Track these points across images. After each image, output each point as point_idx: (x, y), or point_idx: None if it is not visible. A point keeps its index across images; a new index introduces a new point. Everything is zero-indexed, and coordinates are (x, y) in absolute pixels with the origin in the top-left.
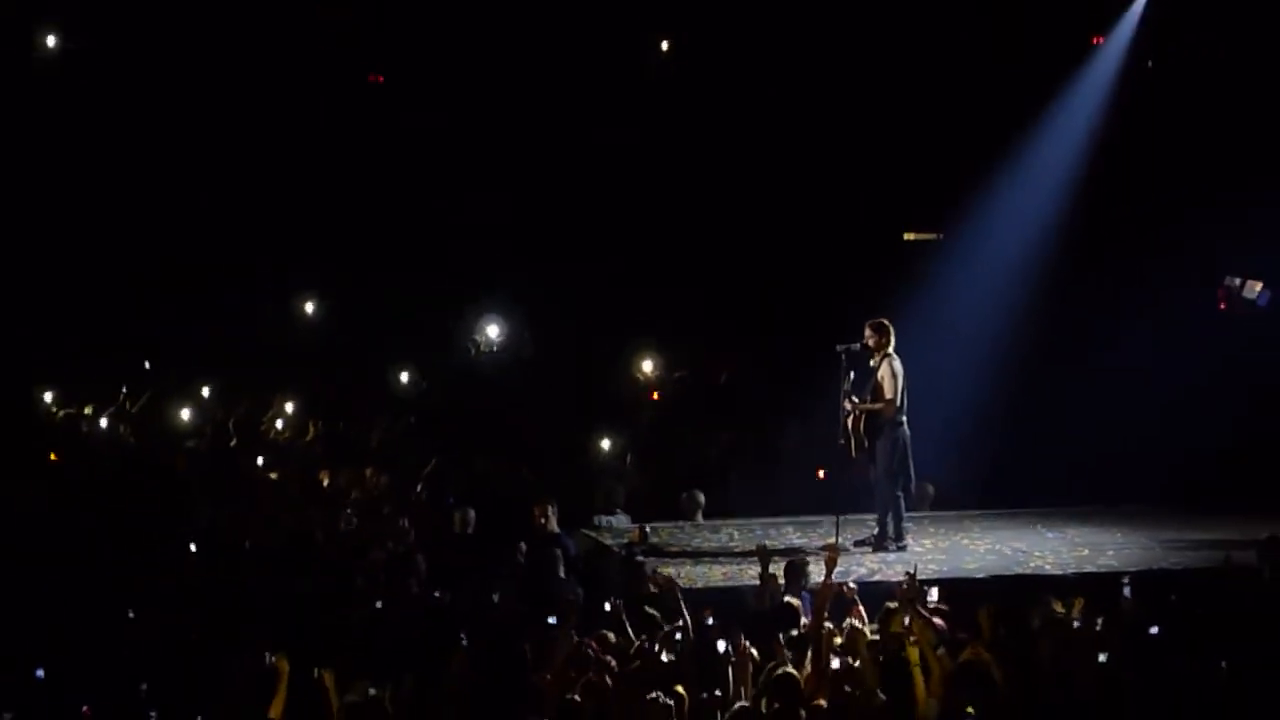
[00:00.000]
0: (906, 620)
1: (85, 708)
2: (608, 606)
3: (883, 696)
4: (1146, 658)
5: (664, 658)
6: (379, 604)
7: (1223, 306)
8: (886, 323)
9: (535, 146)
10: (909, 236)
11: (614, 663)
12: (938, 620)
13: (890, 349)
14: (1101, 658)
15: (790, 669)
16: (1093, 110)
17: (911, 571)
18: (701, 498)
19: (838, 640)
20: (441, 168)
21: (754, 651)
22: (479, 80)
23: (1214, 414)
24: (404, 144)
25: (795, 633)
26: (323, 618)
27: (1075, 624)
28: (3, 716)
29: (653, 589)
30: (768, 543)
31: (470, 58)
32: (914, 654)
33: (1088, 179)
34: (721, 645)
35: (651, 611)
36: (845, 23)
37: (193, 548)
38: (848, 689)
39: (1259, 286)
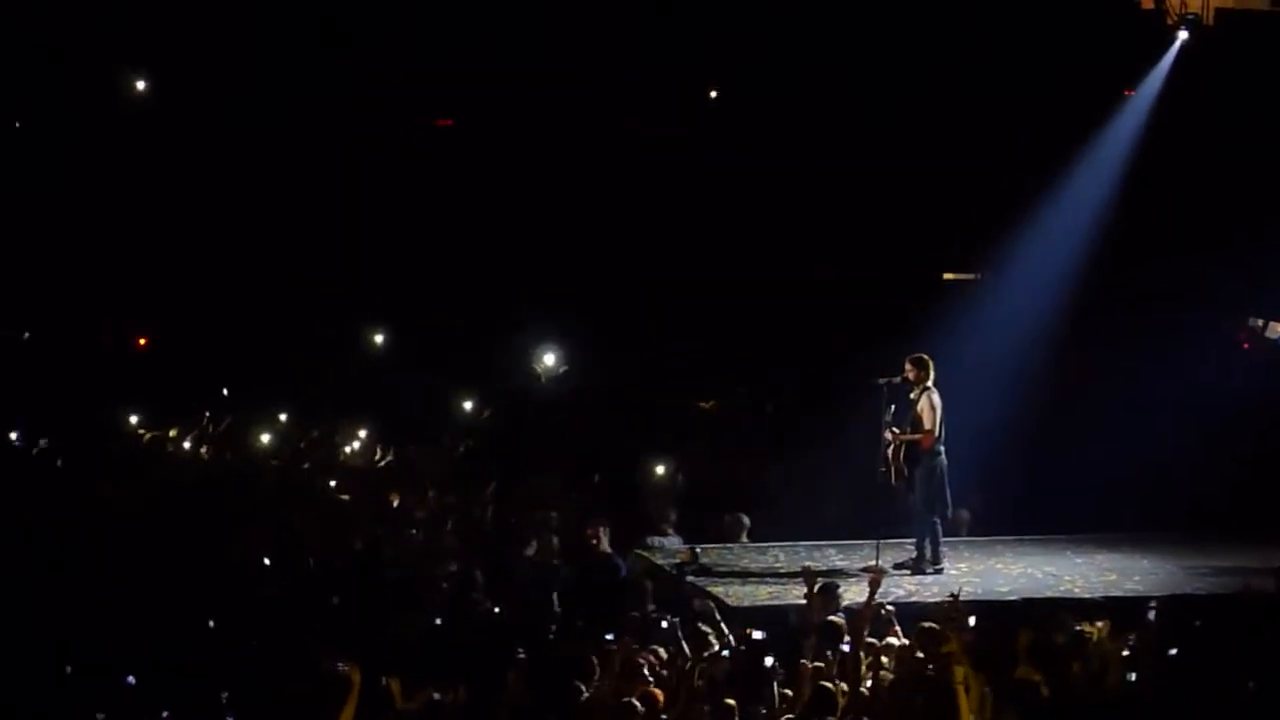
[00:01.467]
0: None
1: (166, 713)
2: (664, 624)
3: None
4: (1173, 678)
5: (714, 673)
6: (439, 619)
7: (1245, 346)
8: (926, 358)
9: (593, 182)
10: (948, 277)
11: (667, 676)
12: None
13: (929, 382)
14: (1130, 677)
15: (830, 684)
16: (1123, 157)
17: (956, 593)
18: (746, 520)
19: (883, 659)
20: (504, 201)
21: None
22: (538, 115)
23: (1237, 446)
24: (470, 180)
25: (836, 650)
26: (388, 631)
27: (1104, 645)
28: (96, 717)
29: (695, 608)
30: (810, 564)
31: (531, 95)
32: (958, 673)
33: (1118, 223)
34: (769, 660)
35: (704, 629)
36: (889, 65)
37: (266, 562)
38: (888, 705)
39: None
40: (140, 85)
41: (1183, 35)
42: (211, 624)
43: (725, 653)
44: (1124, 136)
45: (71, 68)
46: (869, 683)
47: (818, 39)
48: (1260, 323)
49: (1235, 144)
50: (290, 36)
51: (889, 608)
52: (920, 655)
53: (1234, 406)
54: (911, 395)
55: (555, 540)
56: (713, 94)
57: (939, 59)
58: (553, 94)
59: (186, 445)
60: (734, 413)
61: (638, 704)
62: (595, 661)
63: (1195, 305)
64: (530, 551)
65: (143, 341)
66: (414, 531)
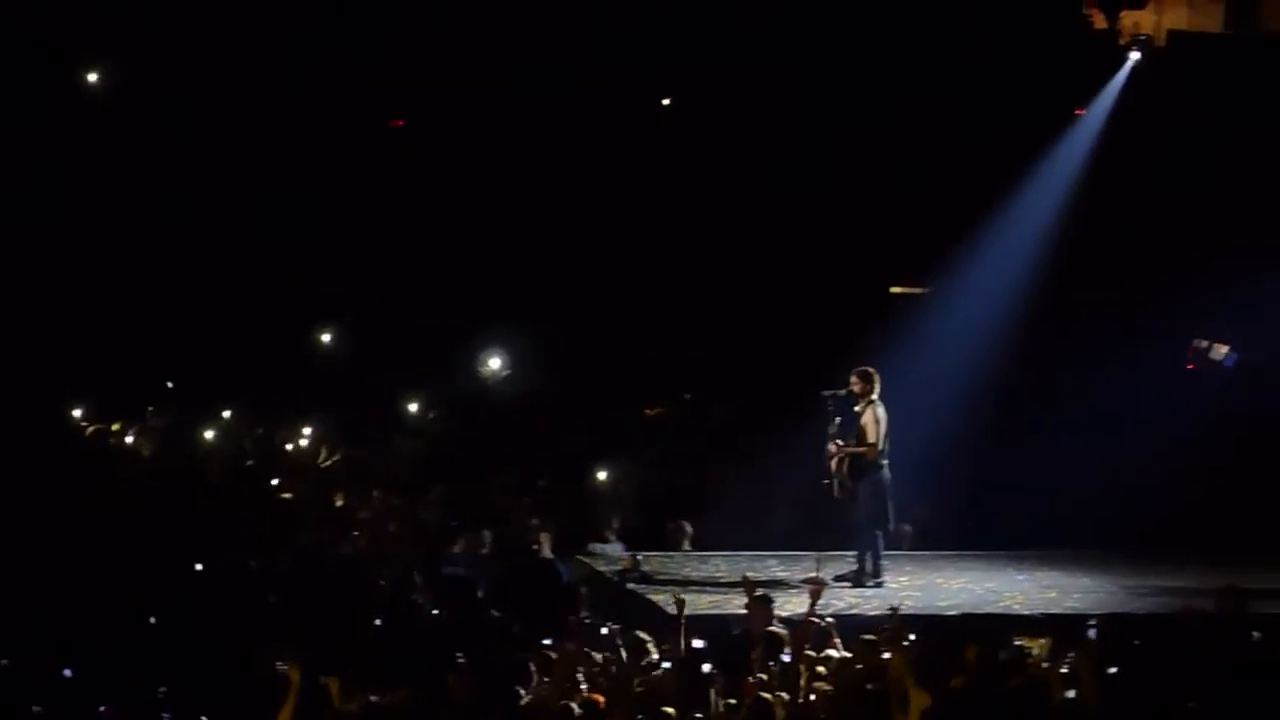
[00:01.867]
0: (886, 654)
1: (104, 708)
2: (604, 630)
3: None
4: (1112, 696)
5: (653, 681)
6: (380, 620)
7: (1190, 367)
8: (872, 371)
9: (542, 186)
10: (896, 290)
11: (606, 683)
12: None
13: (875, 396)
14: (1069, 694)
15: (767, 695)
16: (1073, 175)
17: (896, 607)
18: (689, 528)
19: (820, 669)
20: (454, 203)
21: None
22: (490, 116)
23: (1180, 467)
24: (419, 180)
25: (777, 661)
26: (329, 630)
27: (1044, 663)
28: (32, 709)
29: (673, 608)
30: (751, 574)
31: (480, 95)
32: (897, 686)
33: (1066, 239)
34: (706, 667)
35: (642, 635)
36: (841, 81)
37: (203, 560)
38: (827, 717)
39: (1225, 349)
40: (92, 78)
41: (1135, 56)
42: (151, 620)
43: (664, 662)
44: (1075, 154)
45: (40, 58)
46: (808, 695)
47: (776, 47)
48: (1205, 344)
49: (1185, 164)
50: (262, 34)
51: (829, 620)
52: (860, 668)
53: (1178, 426)
54: (857, 408)
55: (487, 538)
56: (665, 101)
57: (892, 75)
58: (498, 94)
59: (129, 440)
60: (680, 420)
61: (576, 708)
62: (534, 667)
63: (1143, 324)
64: (458, 549)
65: None
66: (357, 533)
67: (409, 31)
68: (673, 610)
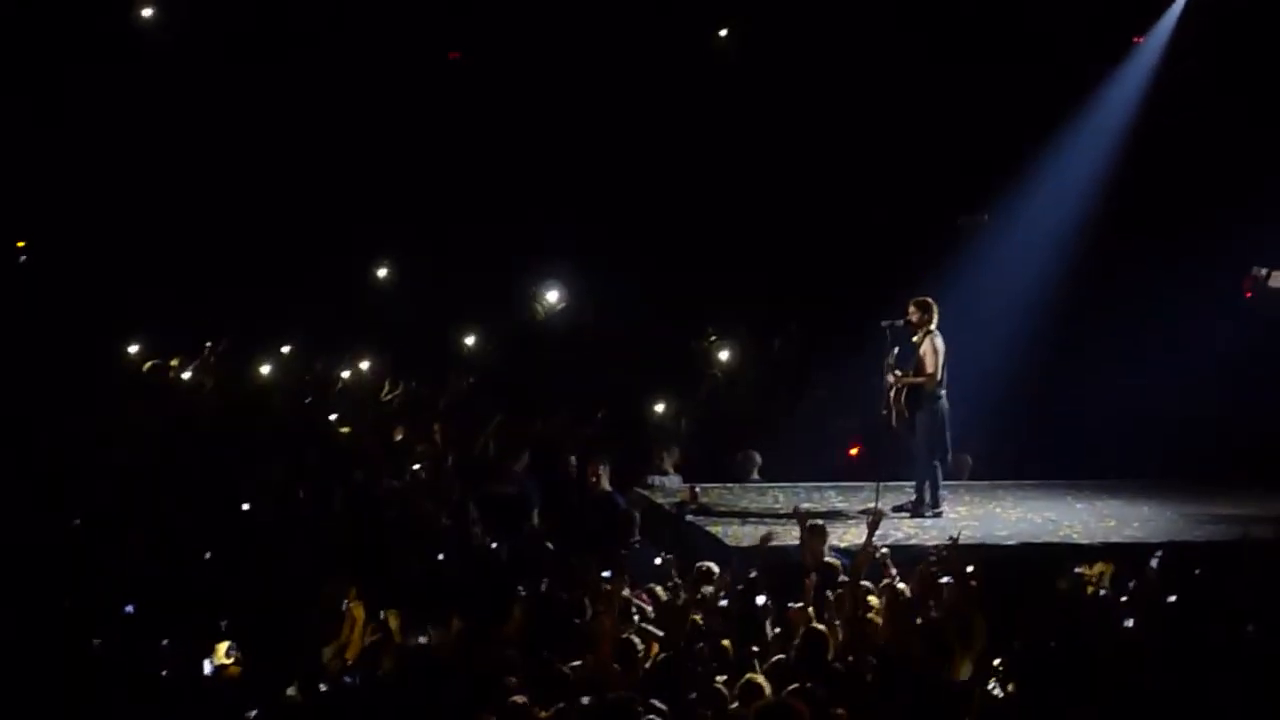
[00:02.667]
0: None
1: (165, 641)
2: (658, 561)
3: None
4: (1172, 624)
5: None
6: (440, 555)
7: (1249, 295)
8: (930, 300)
9: (599, 125)
10: (956, 219)
11: (662, 615)
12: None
13: (933, 325)
14: (1128, 623)
15: (820, 625)
16: (1131, 104)
17: (955, 537)
18: (758, 458)
19: (873, 599)
20: (511, 138)
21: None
22: (548, 54)
23: (1240, 396)
24: (474, 115)
25: (833, 591)
26: (387, 565)
27: (1102, 591)
28: (92, 643)
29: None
30: (809, 505)
31: (542, 33)
32: (953, 615)
33: (1125, 169)
34: (760, 599)
35: (709, 566)
36: (898, 14)
37: (260, 495)
38: (884, 647)
39: None
40: (147, 13)
41: None
42: (209, 555)
43: (722, 592)
44: (1133, 83)
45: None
46: (862, 625)
47: None
48: (1264, 272)
49: (1243, 93)
50: None
51: (883, 550)
52: (919, 598)
53: (1236, 356)
54: (915, 338)
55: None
56: (722, 32)
57: (950, 6)
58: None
59: (186, 376)
60: (739, 351)
61: (636, 640)
62: (590, 599)
63: (1202, 253)
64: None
65: None
66: (416, 466)
67: None
68: (730, 543)
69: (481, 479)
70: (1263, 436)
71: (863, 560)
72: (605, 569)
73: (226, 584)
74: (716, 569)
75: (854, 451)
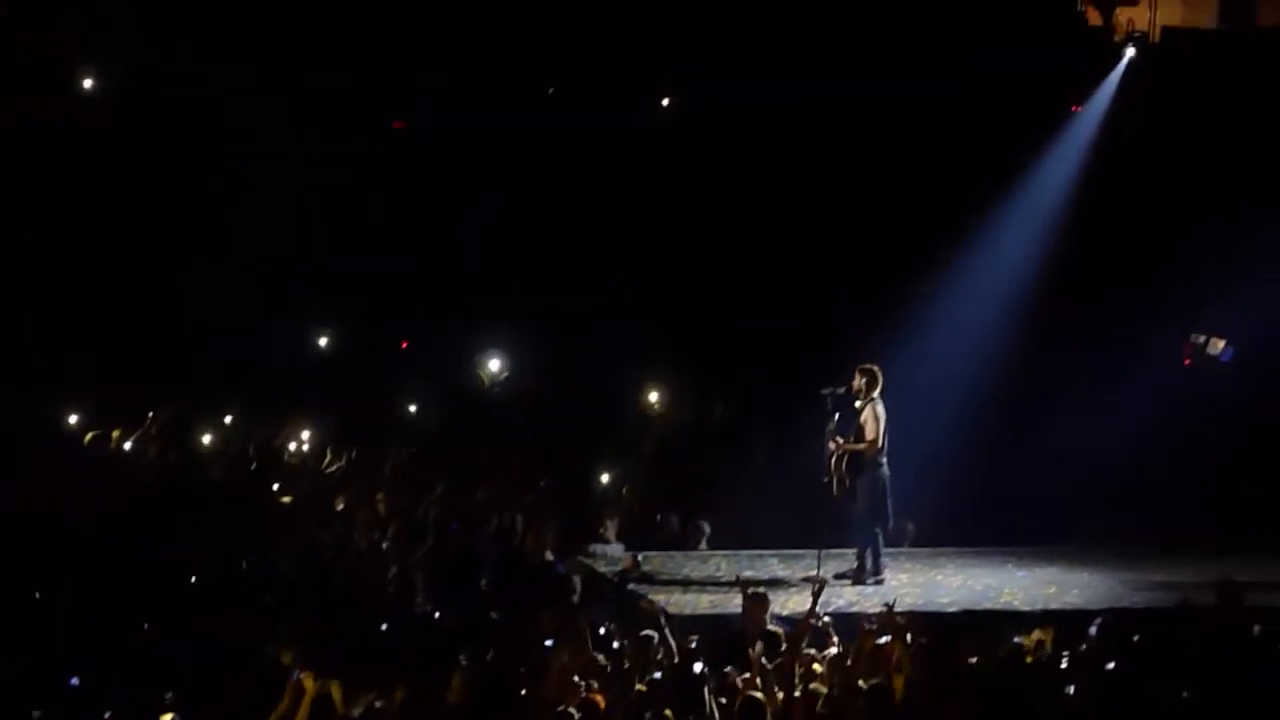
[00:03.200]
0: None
1: (109, 714)
2: (602, 631)
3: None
4: (1112, 690)
5: (651, 681)
6: (382, 623)
7: (1188, 362)
8: (875, 368)
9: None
10: (894, 288)
11: (605, 685)
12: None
13: (876, 393)
14: (1069, 690)
15: (757, 694)
16: (1070, 172)
17: (891, 604)
18: (707, 528)
19: (816, 667)
20: (450, 204)
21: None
22: (486, 120)
23: (1177, 461)
24: (415, 182)
25: (773, 659)
26: (330, 633)
27: (1042, 658)
28: (32, 714)
29: (641, 614)
30: (751, 573)
31: (481, 99)
32: (898, 681)
33: (1065, 236)
34: (698, 667)
35: (650, 634)
36: (838, 80)
37: (202, 565)
38: (824, 715)
39: (1222, 344)
40: (88, 84)
41: (1130, 52)
42: (150, 625)
43: (663, 661)
44: (1072, 152)
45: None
46: (802, 693)
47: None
48: (1202, 339)
49: (1181, 160)
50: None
51: (825, 619)
52: (859, 665)
53: (1176, 422)
54: (858, 404)
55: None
56: (664, 101)
57: (888, 74)
58: (497, 93)
59: (128, 446)
60: (682, 419)
61: (575, 713)
62: (534, 668)
63: (1140, 320)
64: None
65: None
66: (358, 535)
67: (406, 30)
68: (673, 610)
69: (424, 547)
70: (1201, 499)
71: (804, 628)
72: (547, 638)
73: (170, 654)
74: (655, 636)
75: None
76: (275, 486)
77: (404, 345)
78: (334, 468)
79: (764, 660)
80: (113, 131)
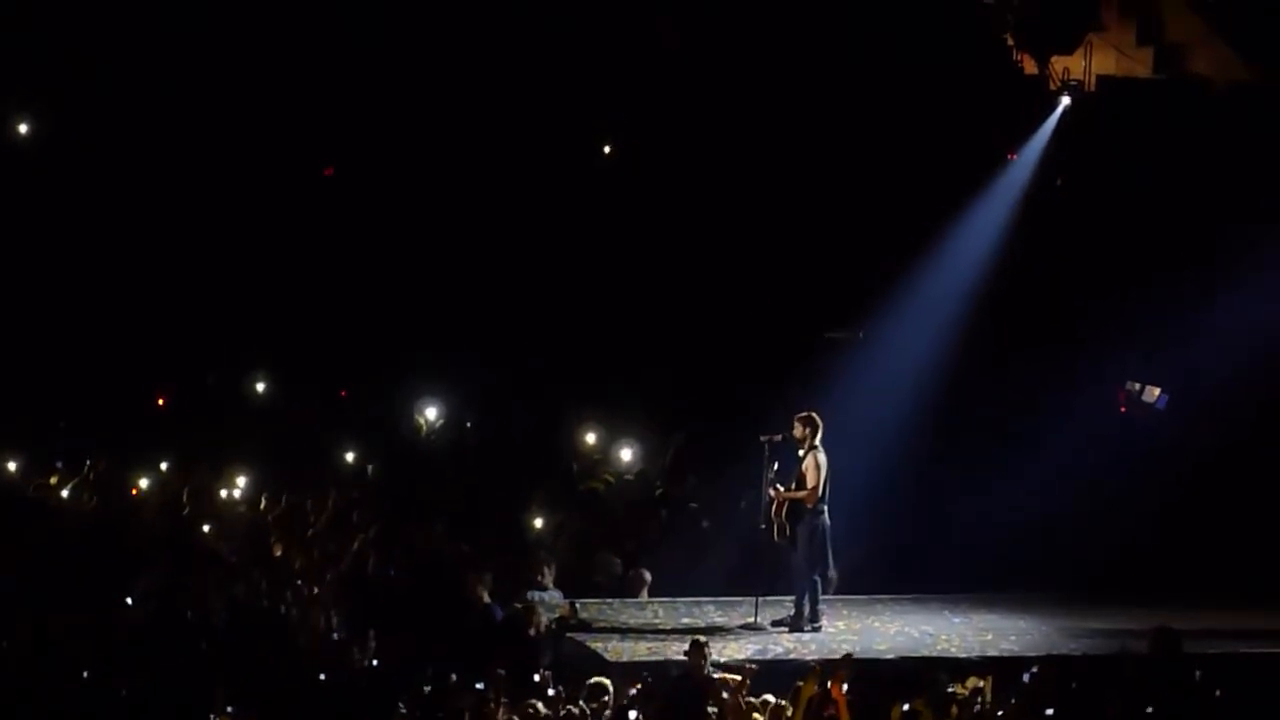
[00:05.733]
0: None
1: None
2: (537, 677)
3: None
4: None
5: None
6: (320, 671)
7: (1123, 409)
8: (815, 416)
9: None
10: (830, 335)
11: None
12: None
13: (817, 441)
14: None
15: None
16: (1006, 218)
17: (850, 654)
18: (648, 576)
19: (757, 717)
20: (388, 252)
21: None
22: (422, 168)
23: (1113, 508)
24: (351, 230)
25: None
26: (267, 682)
27: (978, 705)
28: None
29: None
30: (689, 620)
31: (414, 145)
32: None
33: (999, 284)
34: (633, 715)
35: (602, 681)
36: (777, 123)
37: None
38: None
39: (1157, 391)
40: (23, 128)
41: (1065, 101)
42: (86, 674)
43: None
44: (1006, 199)
45: None
46: None
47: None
48: (1137, 386)
49: (1116, 207)
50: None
51: (751, 665)
52: (798, 713)
53: (1111, 468)
54: (800, 453)
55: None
56: (606, 148)
57: (825, 122)
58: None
59: (65, 494)
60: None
61: None
62: (470, 715)
63: (1075, 367)
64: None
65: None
66: (297, 581)
67: (340, 76)
68: (611, 658)
69: (361, 595)
70: (1137, 545)
71: (746, 674)
72: (481, 683)
73: (105, 703)
74: (609, 684)
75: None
76: (208, 530)
77: (343, 394)
78: (269, 513)
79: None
80: (41, 170)
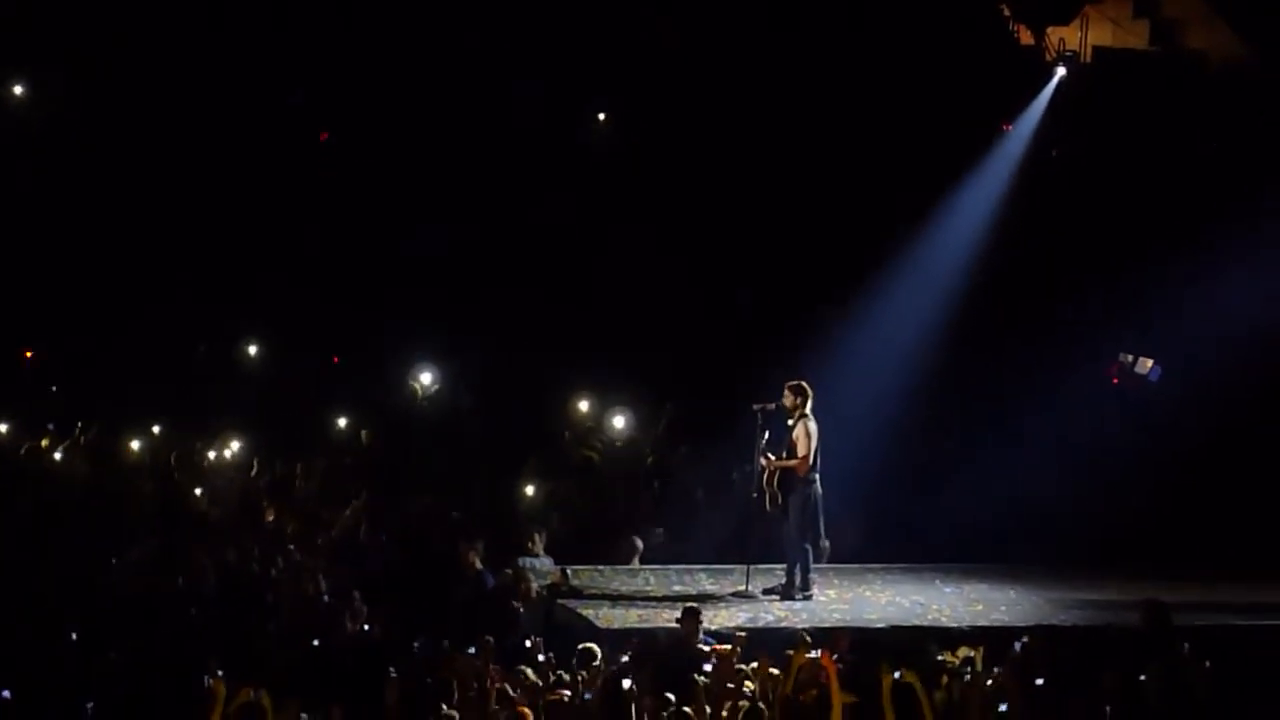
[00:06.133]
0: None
1: None
2: (528, 644)
3: None
4: (1038, 707)
5: (583, 694)
6: (312, 636)
7: (1115, 381)
8: (805, 385)
9: (472, 200)
10: (823, 306)
11: (533, 698)
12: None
13: (807, 409)
14: (1001, 707)
15: (688, 709)
16: (1000, 189)
17: (845, 626)
18: (639, 543)
19: (748, 685)
20: (383, 215)
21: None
22: (420, 131)
23: (1104, 481)
24: (349, 193)
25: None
26: (259, 648)
27: (968, 675)
28: None
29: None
30: (680, 588)
31: (414, 111)
32: (833, 698)
33: (993, 255)
34: (626, 683)
35: (591, 647)
36: (772, 94)
37: (123, 577)
38: None
39: (1150, 363)
40: (18, 90)
41: (1061, 71)
42: (75, 636)
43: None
44: (1002, 169)
45: None
46: (732, 708)
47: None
48: (1130, 358)
49: (1111, 179)
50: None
51: (740, 634)
52: (790, 682)
53: (1103, 442)
54: (790, 422)
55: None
56: (601, 116)
57: (821, 92)
58: (426, 105)
59: (57, 456)
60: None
61: None
62: (461, 681)
63: (1068, 339)
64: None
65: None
66: (289, 547)
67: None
68: (602, 625)
69: (353, 559)
70: (1123, 522)
71: (736, 643)
72: (471, 648)
73: (95, 666)
74: (598, 650)
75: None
76: (199, 495)
77: (335, 360)
78: (261, 478)
79: (694, 675)
80: (43, 143)
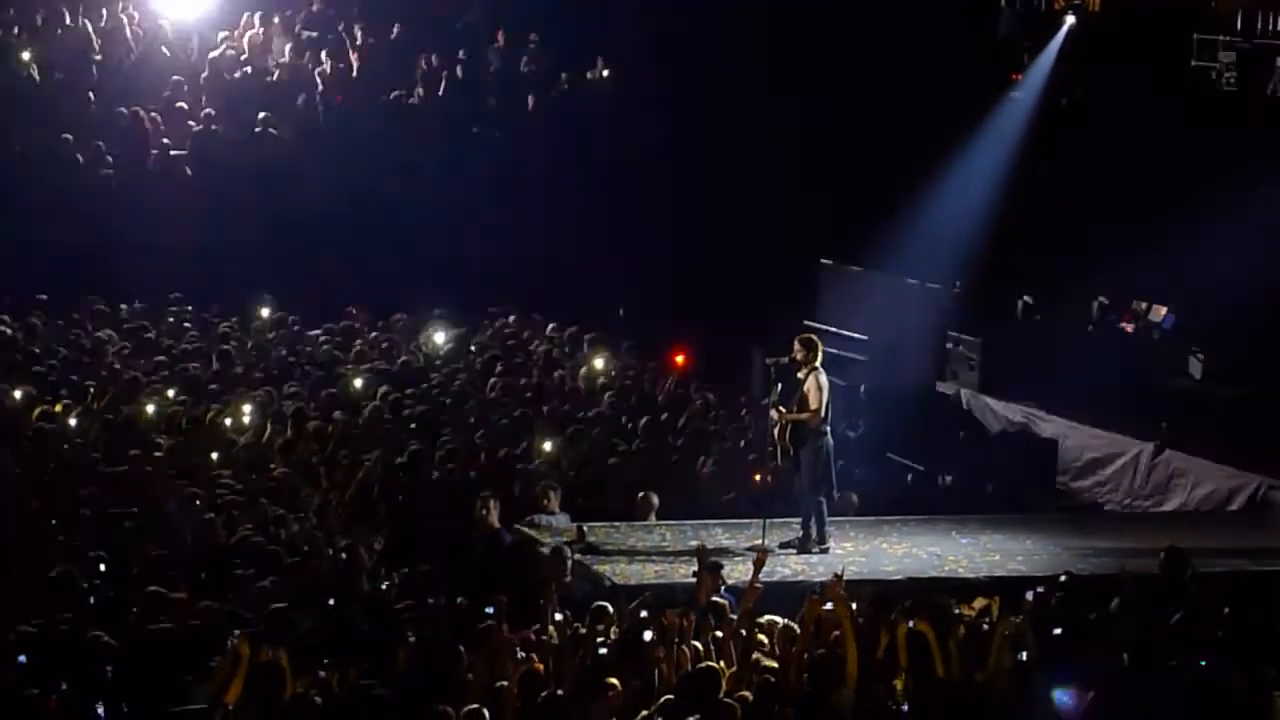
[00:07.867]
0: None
1: (53, 698)
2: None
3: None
4: (1059, 656)
5: (599, 650)
6: (329, 598)
7: (1129, 329)
8: (815, 339)
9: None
10: (827, 261)
11: (545, 655)
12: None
13: (818, 363)
14: (1021, 656)
15: (713, 663)
16: (1011, 140)
17: (840, 573)
18: (655, 500)
19: (761, 638)
20: (396, 176)
21: (693, 647)
22: (427, 92)
23: (1120, 430)
24: (359, 154)
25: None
26: (276, 610)
27: (985, 625)
28: None
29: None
30: (695, 542)
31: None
32: (846, 650)
33: (1005, 205)
34: (648, 635)
35: (604, 605)
36: (777, 51)
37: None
38: (771, 679)
39: (1164, 310)
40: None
41: (1070, 20)
42: (93, 600)
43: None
44: (1011, 119)
45: None
46: (752, 660)
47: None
48: (1144, 306)
49: (1121, 128)
50: None
51: (757, 586)
52: (805, 633)
53: (1116, 389)
54: (800, 375)
55: None
56: (605, 72)
57: (826, 44)
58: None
59: (72, 422)
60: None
61: (514, 688)
62: (477, 641)
63: (1080, 287)
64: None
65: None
66: (303, 509)
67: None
68: (619, 580)
69: (369, 521)
70: (1146, 470)
71: (750, 598)
72: (489, 607)
73: (112, 629)
74: (611, 609)
75: (758, 478)
76: (214, 458)
77: (351, 311)
78: (275, 440)
79: (715, 630)
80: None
